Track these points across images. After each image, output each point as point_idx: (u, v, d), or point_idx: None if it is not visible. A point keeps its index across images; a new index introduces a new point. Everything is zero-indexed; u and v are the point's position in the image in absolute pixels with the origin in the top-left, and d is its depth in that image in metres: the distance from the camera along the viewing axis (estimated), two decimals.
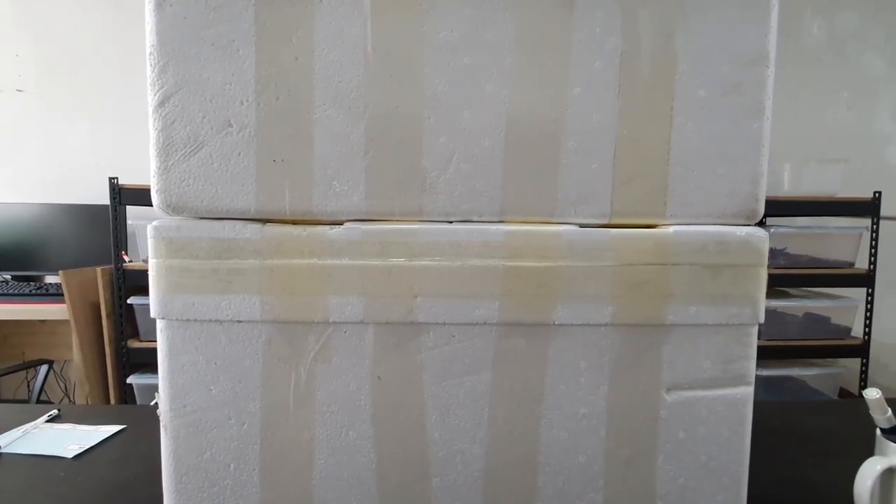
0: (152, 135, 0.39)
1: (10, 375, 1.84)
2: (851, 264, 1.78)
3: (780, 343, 1.72)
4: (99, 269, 1.57)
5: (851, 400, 1.66)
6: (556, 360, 0.41)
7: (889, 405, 0.45)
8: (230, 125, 0.39)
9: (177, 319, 0.40)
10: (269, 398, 0.40)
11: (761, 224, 0.40)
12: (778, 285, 1.78)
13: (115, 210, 1.55)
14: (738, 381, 0.42)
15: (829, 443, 0.68)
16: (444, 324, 0.40)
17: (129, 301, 1.54)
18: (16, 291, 1.74)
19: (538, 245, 0.40)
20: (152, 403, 0.82)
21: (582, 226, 0.41)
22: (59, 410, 0.73)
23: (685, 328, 0.41)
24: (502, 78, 0.39)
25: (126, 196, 1.55)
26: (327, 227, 0.40)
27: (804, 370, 1.78)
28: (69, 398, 2.01)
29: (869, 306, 1.75)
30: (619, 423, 0.42)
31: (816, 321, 1.78)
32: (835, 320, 1.78)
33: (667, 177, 0.40)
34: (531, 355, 0.41)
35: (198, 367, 0.40)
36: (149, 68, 0.38)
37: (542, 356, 0.41)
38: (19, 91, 2.08)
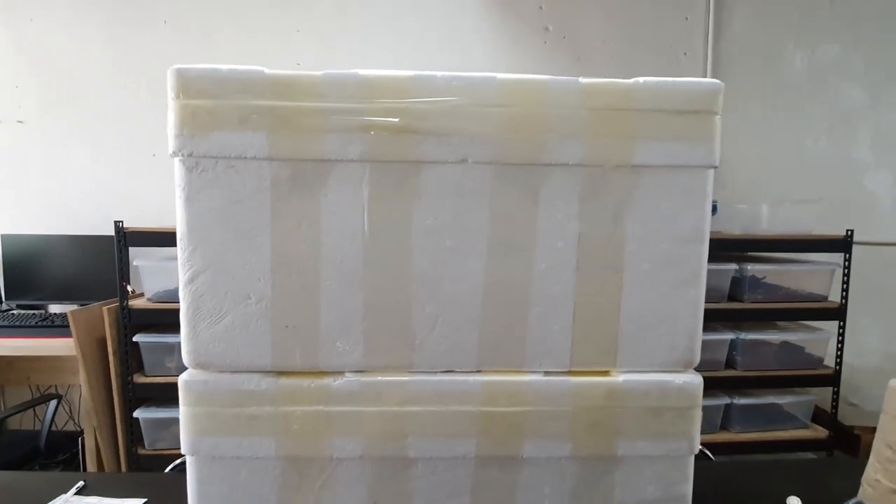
0: (183, 305, 0.46)
1: (18, 404, 1.90)
2: (825, 297, 1.87)
3: (758, 373, 1.81)
4: (105, 308, 1.63)
5: (798, 461, 1.76)
6: (524, 487, 0.49)
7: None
8: (249, 298, 0.46)
9: (204, 456, 0.47)
10: None
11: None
12: (755, 319, 1.87)
13: (120, 252, 1.61)
14: (677, 499, 0.50)
15: None
16: (431, 458, 0.48)
17: (134, 338, 1.61)
18: (22, 323, 1.80)
19: (509, 392, 0.47)
20: (169, 469, 0.89)
21: (546, 373, 0.48)
22: (84, 482, 0.80)
23: (633, 459, 0.49)
24: (479, 256, 0.46)
25: (131, 238, 1.61)
26: (331, 378, 0.47)
27: (780, 398, 1.88)
28: (74, 422, 2.08)
29: (840, 338, 1.84)
30: None
31: (791, 351, 1.87)
32: (809, 350, 1.87)
33: (617, 334, 0.48)
34: (503, 482, 0.48)
35: (222, 496, 0.48)
36: (179, 251, 0.45)
37: (512, 483, 0.49)
38: (20, 122, 2.13)
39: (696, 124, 0.45)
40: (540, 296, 0.47)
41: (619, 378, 0.48)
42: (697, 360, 0.49)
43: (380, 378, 0.47)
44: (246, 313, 0.46)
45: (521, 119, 0.44)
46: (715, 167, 0.47)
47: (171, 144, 0.44)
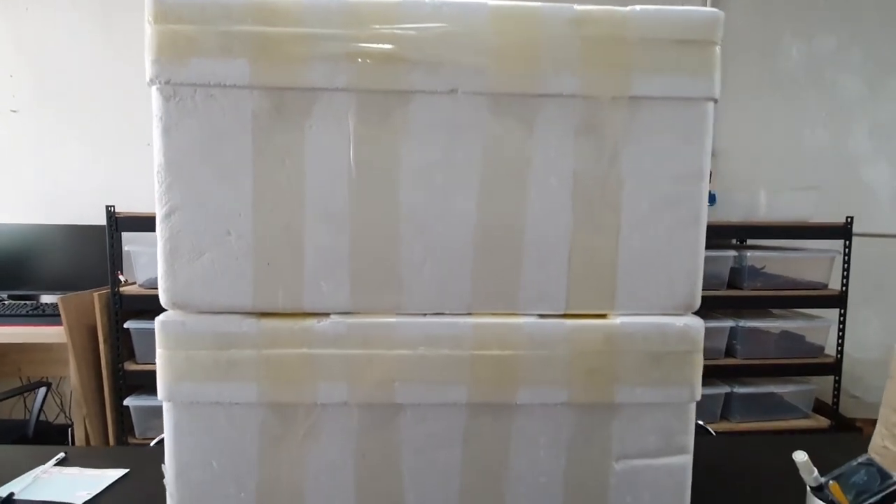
0: (160, 242, 0.44)
1: (7, 391, 1.87)
2: (825, 285, 1.85)
3: (758, 361, 1.79)
4: (96, 294, 1.61)
5: (800, 437, 1.74)
6: (518, 436, 0.46)
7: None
8: (229, 234, 0.44)
9: (182, 403, 0.45)
10: (264, 472, 0.46)
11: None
12: (755, 306, 1.85)
13: (112, 237, 1.59)
14: (678, 451, 0.47)
15: (777, 484, 0.73)
16: (420, 405, 0.46)
17: (125, 325, 1.58)
18: (13, 312, 1.78)
19: (502, 335, 0.45)
20: (153, 444, 0.87)
21: (541, 316, 0.46)
22: (65, 453, 0.78)
23: (631, 407, 0.46)
24: (470, 193, 0.44)
25: (123, 223, 1.59)
26: (315, 320, 0.45)
27: (780, 387, 1.86)
28: (65, 415, 2.05)
29: (841, 326, 1.82)
30: (575, 490, 0.47)
31: (792, 340, 1.85)
32: (809, 339, 1.85)
33: (615, 275, 0.46)
34: (497, 431, 0.46)
35: (201, 445, 0.45)
36: (156, 184, 0.43)
37: (506, 432, 0.46)
38: (13, 112, 2.11)
39: (695, 54, 0.44)
40: (534, 235, 0.45)
41: (617, 321, 0.46)
42: (698, 303, 0.47)
43: (366, 320, 0.45)
44: (226, 251, 0.44)
45: (512, 47, 0.43)
46: (715, 100, 0.45)
47: (149, 71, 0.42)
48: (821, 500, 0.51)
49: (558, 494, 0.47)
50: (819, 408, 1.93)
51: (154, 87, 0.42)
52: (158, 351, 0.45)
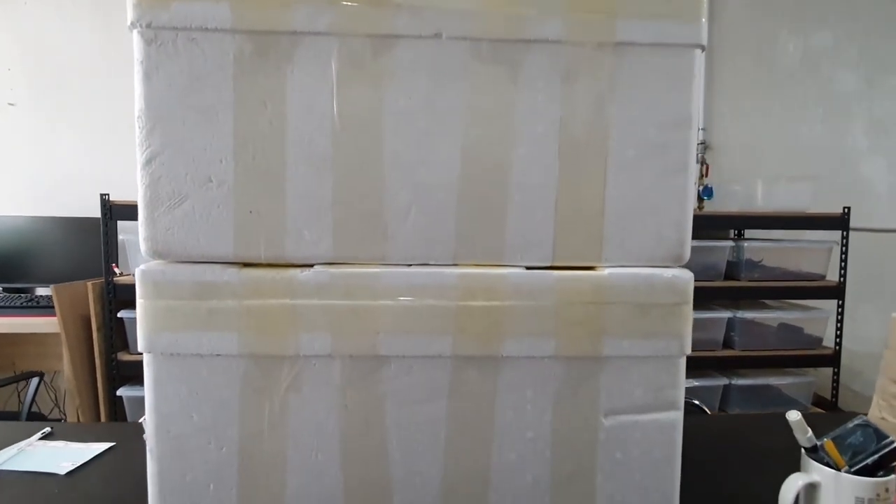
0: (140, 189, 0.43)
1: (1, 387, 1.86)
2: (823, 276, 1.85)
3: (756, 353, 1.78)
4: (90, 283, 1.60)
5: (808, 416, 1.73)
6: (505, 389, 0.46)
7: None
8: (210, 181, 0.43)
9: (161, 354, 0.44)
10: (245, 425, 0.45)
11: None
12: (752, 297, 1.84)
13: (106, 225, 1.58)
14: (667, 406, 0.47)
15: (772, 456, 0.73)
16: (404, 357, 0.45)
17: (119, 314, 1.58)
18: (7, 304, 1.77)
19: (487, 286, 0.45)
20: (140, 420, 0.86)
21: (528, 268, 0.46)
22: (51, 428, 0.77)
23: (619, 360, 0.46)
24: (455, 139, 0.44)
25: (117, 211, 1.58)
26: (298, 270, 0.44)
27: (779, 379, 1.84)
28: (59, 409, 2.03)
29: (840, 317, 1.81)
30: (563, 446, 0.46)
31: (790, 331, 1.84)
32: (807, 331, 1.84)
33: (602, 225, 0.45)
34: (482, 384, 0.46)
35: (181, 397, 0.45)
36: (137, 130, 0.43)
37: (492, 385, 0.46)
38: (11, 105, 2.11)
39: (682, 1, 0.43)
40: (519, 183, 0.44)
41: (605, 272, 0.45)
42: (687, 255, 0.46)
43: (350, 270, 0.44)
44: (206, 197, 0.43)
45: None
46: (703, 47, 0.44)
47: (130, 14, 0.41)
48: (815, 461, 0.50)
49: (545, 450, 0.46)
50: (818, 402, 1.92)
51: (135, 31, 0.42)
52: (139, 302, 0.44)
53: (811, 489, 0.50)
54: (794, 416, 0.50)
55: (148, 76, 0.42)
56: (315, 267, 0.45)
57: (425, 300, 0.44)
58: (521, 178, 0.45)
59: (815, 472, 0.50)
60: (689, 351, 0.46)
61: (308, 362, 0.45)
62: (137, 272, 0.44)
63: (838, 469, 0.49)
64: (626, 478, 0.46)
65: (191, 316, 0.44)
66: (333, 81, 0.43)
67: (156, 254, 0.44)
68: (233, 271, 0.44)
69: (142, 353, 0.43)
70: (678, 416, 0.47)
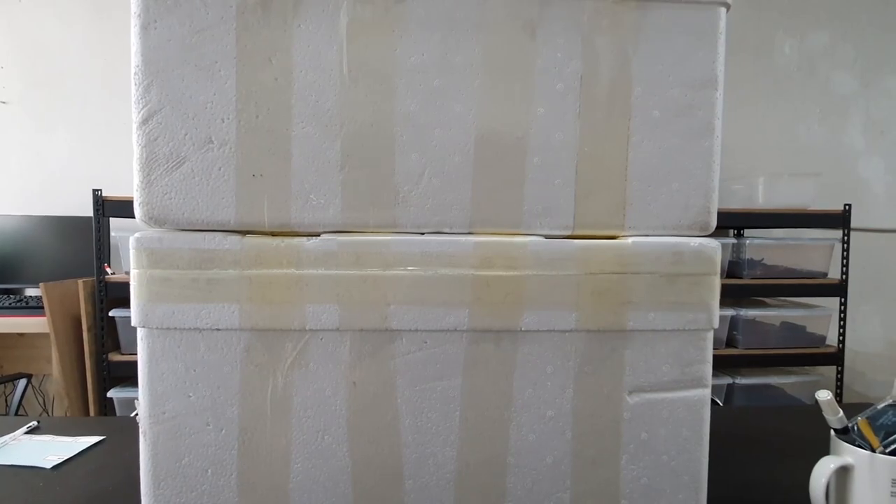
0: (136, 150, 0.40)
1: None
2: (825, 274, 1.84)
3: (758, 352, 1.76)
4: (80, 282, 1.56)
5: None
6: (523, 365, 0.43)
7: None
8: (211, 142, 0.41)
9: (157, 328, 0.41)
10: (246, 404, 0.42)
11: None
12: (755, 295, 1.83)
13: (98, 222, 1.54)
14: (695, 383, 0.44)
15: (794, 445, 0.70)
16: (417, 330, 0.42)
17: (110, 313, 1.53)
18: None
19: (505, 255, 0.42)
20: (133, 415, 0.82)
21: (547, 237, 0.43)
22: (38, 422, 0.73)
23: (644, 333, 0.43)
24: (470, 98, 0.42)
25: (109, 208, 1.55)
26: (304, 238, 0.42)
27: (782, 378, 1.82)
28: (48, 413, 1.97)
29: (842, 315, 1.80)
30: (585, 425, 0.44)
31: (792, 330, 1.82)
32: (810, 329, 1.82)
33: (625, 191, 0.43)
34: (500, 360, 0.43)
35: (177, 375, 0.41)
36: (133, 87, 0.40)
37: (510, 361, 0.43)
38: (3, 103, 2.08)
39: None
40: (538, 144, 0.42)
41: (629, 241, 0.43)
42: (714, 223, 0.44)
43: (359, 238, 0.42)
44: (206, 159, 0.41)
45: None
46: (728, 5, 0.43)
47: None
48: (847, 442, 0.48)
49: (566, 430, 0.43)
50: None
51: None
52: (133, 272, 0.41)
53: (843, 472, 0.47)
54: (824, 395, 0.48)
55: (145, 29, 0.40)
56: (322, 235, 0.42)
57: (439, 270, 0.42)
58: (540, 138, 0.42)
59: (847, 454, 0.47)
60: (717, 324, 0.44)
61: (314, 336, 0.42)
62: (131, 240, 0.41)
63: (873, 450, 0.46)
64: (652, 459, 0.44)
65: (189, 287, 0.41)
66: (343, 35, 0.41)
67: (152, 220, 0.41)
68: (234, 239, 0.41)
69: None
70: (706, 393, 0.44)
